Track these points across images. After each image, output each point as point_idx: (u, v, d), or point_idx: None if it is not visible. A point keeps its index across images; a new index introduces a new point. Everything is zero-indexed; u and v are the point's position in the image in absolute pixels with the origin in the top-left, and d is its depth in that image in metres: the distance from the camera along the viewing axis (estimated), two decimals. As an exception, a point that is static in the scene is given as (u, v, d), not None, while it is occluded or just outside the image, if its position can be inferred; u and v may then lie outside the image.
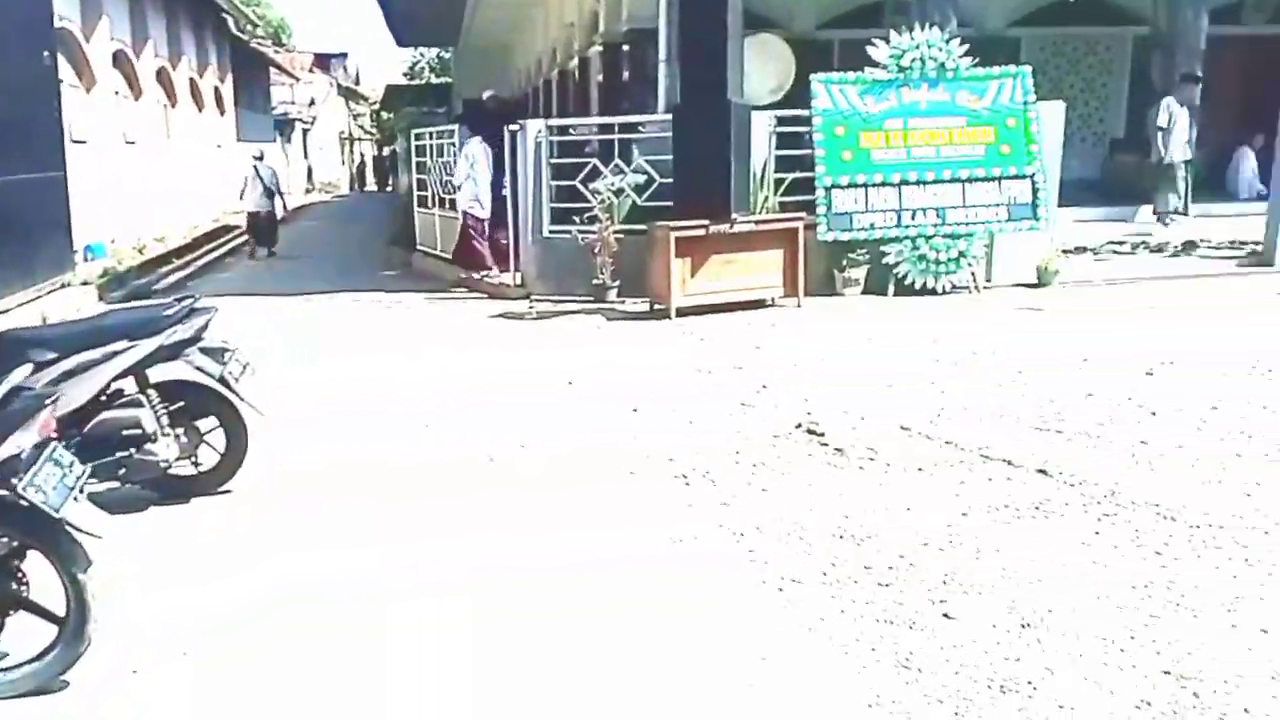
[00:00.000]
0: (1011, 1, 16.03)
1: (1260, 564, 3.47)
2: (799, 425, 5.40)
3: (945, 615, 3.21)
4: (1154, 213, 12.51)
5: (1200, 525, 3.83)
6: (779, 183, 9.66)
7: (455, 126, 11.75)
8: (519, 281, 10.46)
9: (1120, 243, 11.81)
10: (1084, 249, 11.45)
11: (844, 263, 9.50)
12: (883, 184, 9.49)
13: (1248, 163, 14.49)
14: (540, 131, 10.13)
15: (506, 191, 10.51)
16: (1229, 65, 15.28)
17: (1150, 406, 5.49)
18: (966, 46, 9.89)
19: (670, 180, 9.26)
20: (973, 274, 9.60)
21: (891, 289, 9.45)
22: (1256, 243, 11.05)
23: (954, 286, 9.53)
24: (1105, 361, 6.62)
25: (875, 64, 9.73)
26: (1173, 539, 3.73)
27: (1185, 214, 12.27)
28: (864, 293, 9.49)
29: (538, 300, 9.74)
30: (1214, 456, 4.63)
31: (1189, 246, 11.53)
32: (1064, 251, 10.55)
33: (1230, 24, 15.60)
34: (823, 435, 5.22)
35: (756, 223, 8.98)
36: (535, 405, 6.07)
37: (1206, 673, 2.75)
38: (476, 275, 11.02)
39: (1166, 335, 7.44)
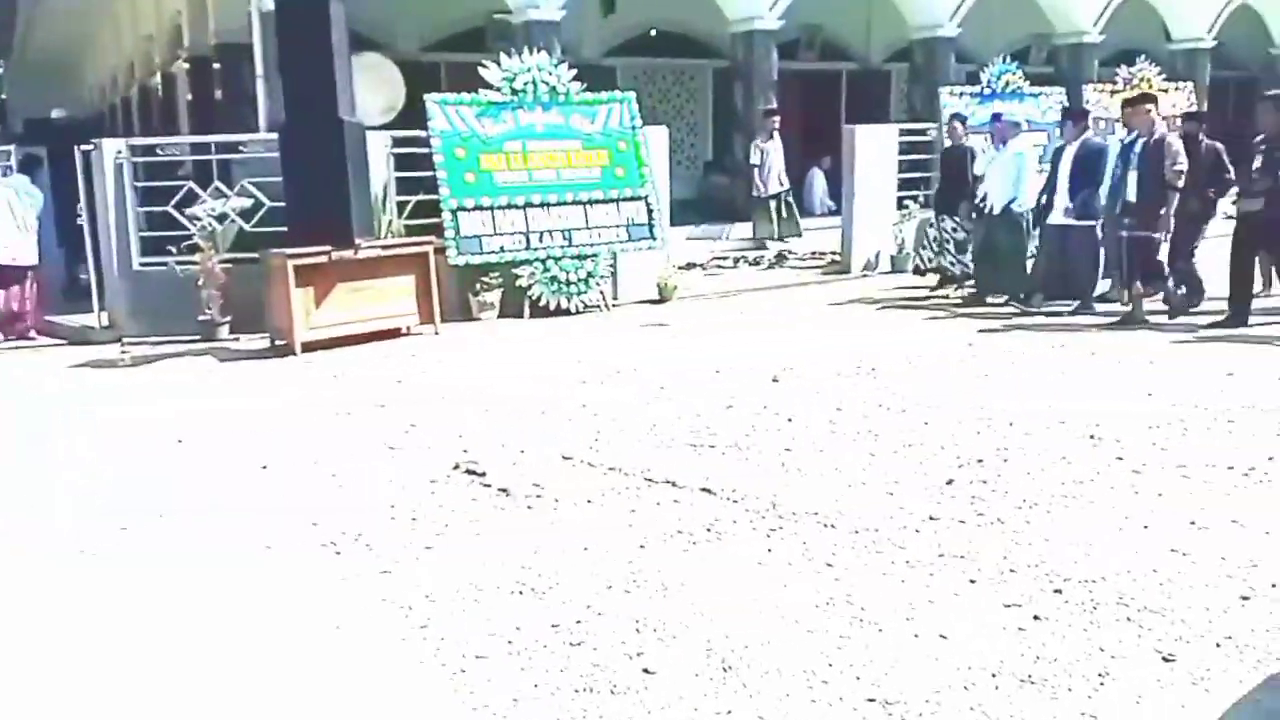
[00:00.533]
0: (604, 32, 16.72)
1: (920, 564, 3.65)
2: (457, 466, 5.04)
3: (645, 670, 3.02)
4: (754, 241, 13.47)
5: (858, 530, 3.99)
6: (403, 206, 9.23)
7: (11, 148, 10.04)
8: (106, 323, 9.11)
9: (724, 258, 12.65)
10: (694, 265, 12.13)
11: (478, 286, 9.27)
12: (509, 206, 9.38)
13: (819, 182, 16.18)
14: (120, 152, 8.91)
15: (83, 220, 9.11)
16: (796, 96, 17.04)
17: (785, 413, 5.76)
18: (575, 72, 10.07)
19: (282, 204, 8.50)
20: (602, 293, 9.77)
21: (527, 311, 9.37)
22: (835, 253, 12.33)
23: (586, 306, 9.63)
24: (734, 372, 6.91)
25: (488, 86, 9.61)
26: (838, 548, 3.84)
27: (782, 240, 13.35)
28: (501, 316, 9.33)
29: (132, 343, 8.52)
30: (852, 458, 4.90)
31: (780, 259, 12.62)
32: (679, 268, 11.09)
33: (791, 60, 17.37)
34: (484, 475, 4.90)
35: (383, 248, 8.48)
36: (125, 474, 5.17)
37: (907, 692, 2.79)
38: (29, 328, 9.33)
39: (780, 342, 7.98)
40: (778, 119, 13.53)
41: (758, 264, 12.41)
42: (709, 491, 4.52)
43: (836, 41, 19.26)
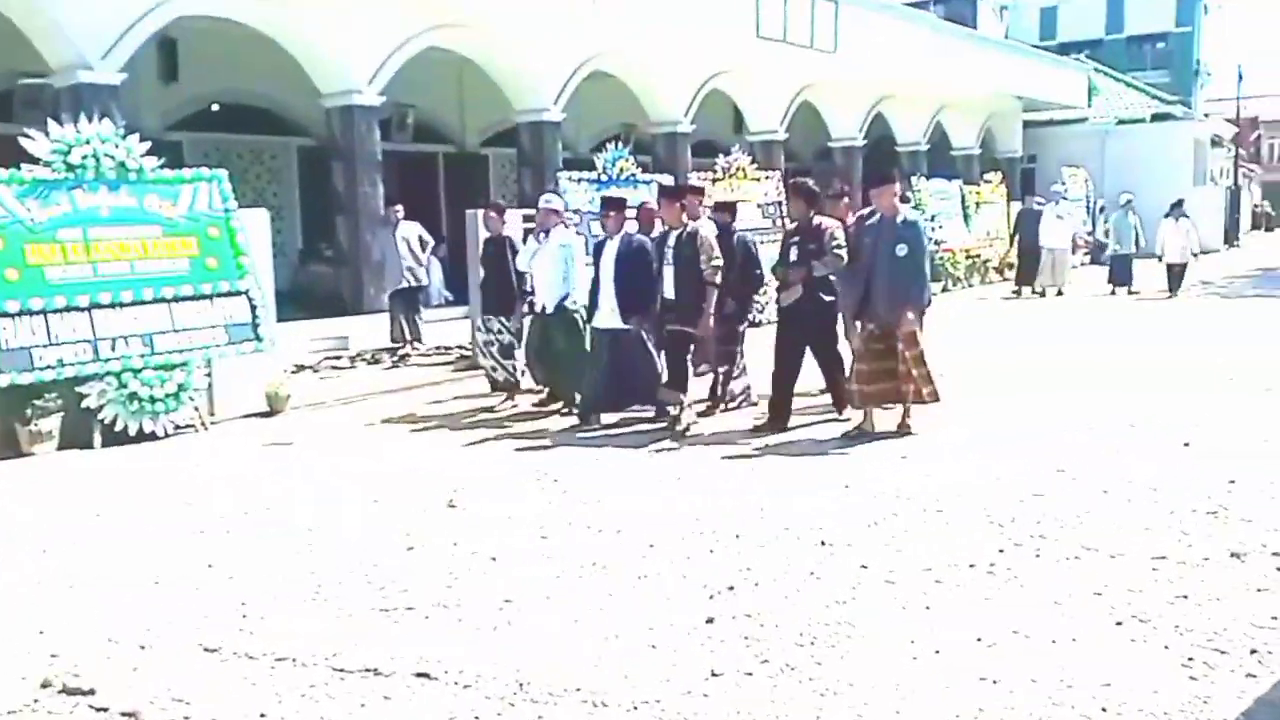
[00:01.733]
0: (166, 104, 14.87)
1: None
2: (47, 683, 3.54)
3: None
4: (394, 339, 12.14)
5: (637, 705, 3.20)
6: (-82, 314, 7.07)
7: None
8: None
9: (337, 357, 11.39)
10: (303, 367, 10.76)
11: (29, 413, 7.27)
12: (68, 308, 7.57)
13: (435, 271, 15.32)
14: None
15: None
16: (393, 177, 16.15)
17: (484, 549, 4.82)
18: (149, 145, 8.51)
19: None
20: (197, 409, 8.16)
21: (98, 439, 7.53)
22: (463, 347, 11.53)
23: (178, 427, 7.98)
24: (396, 497, 5.88)
25: (31, 161, 7.78)
26: (623, 738, 3.04)
27: (406, 338, 12.15)
28: (63, 448, 7.37)
29: None
30: (588, 602, 4.11)
31: (403, 358, 11.58)
32: (288, 372, 9.72)
33: (384, 139, 16.56)
34: (92, 693, 3.48)
35: (-108, 373, 6.35)
36: None
37: None
38: None
39: (431, 452, 7.07)
40: (400, 208, 12.42)
41: (378, 363, 11.29)
42: (428, 677, 3.50)
43: (431, 123, 18.75)
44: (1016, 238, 18.66)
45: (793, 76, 19.74)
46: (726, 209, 8.50)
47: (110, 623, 4.08)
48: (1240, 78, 35.59)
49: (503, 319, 8.83)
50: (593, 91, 16.31)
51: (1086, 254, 24.66)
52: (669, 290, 7.43)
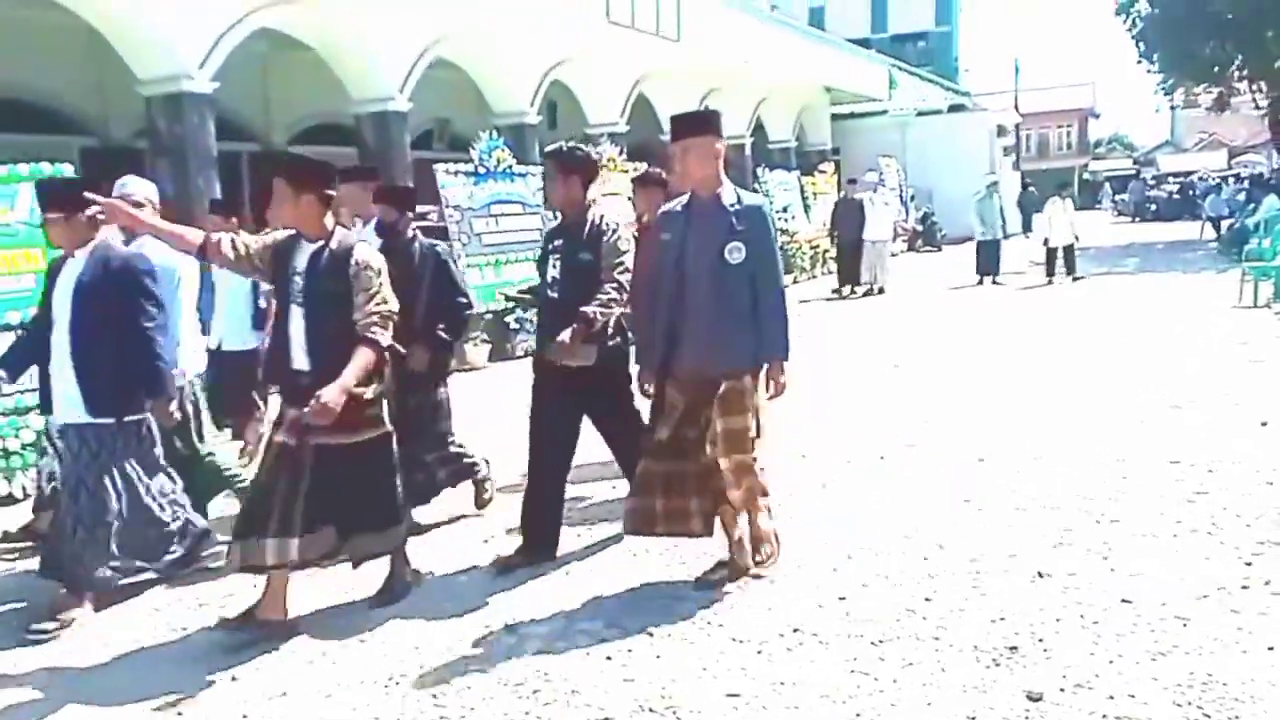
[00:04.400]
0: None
1: None
2: None
3: None
4: None
5: None
6: None
7: None
8: None
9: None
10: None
11: None
12: (-115, 342, 5.69)
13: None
14: None
15: None
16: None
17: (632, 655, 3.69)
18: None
19: None
20: (68, 462, 6.40)
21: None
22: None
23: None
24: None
25: None
26: None
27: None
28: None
29: None
30: (864, 711, 3.09)
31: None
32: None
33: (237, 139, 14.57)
34: None
35: None
36: None
37: None
38: None
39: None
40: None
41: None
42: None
43: (231, 118, 16.64)
44: (835, 232, 16.94)
45: (634, 65, 19.00)
46: (395, 199, 4.98)
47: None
48: (1017, 71, 37.85)
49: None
50: (432, 79, 14.88)
51: (905, 242, 25.29)
52: (299, 357, 3.79)
